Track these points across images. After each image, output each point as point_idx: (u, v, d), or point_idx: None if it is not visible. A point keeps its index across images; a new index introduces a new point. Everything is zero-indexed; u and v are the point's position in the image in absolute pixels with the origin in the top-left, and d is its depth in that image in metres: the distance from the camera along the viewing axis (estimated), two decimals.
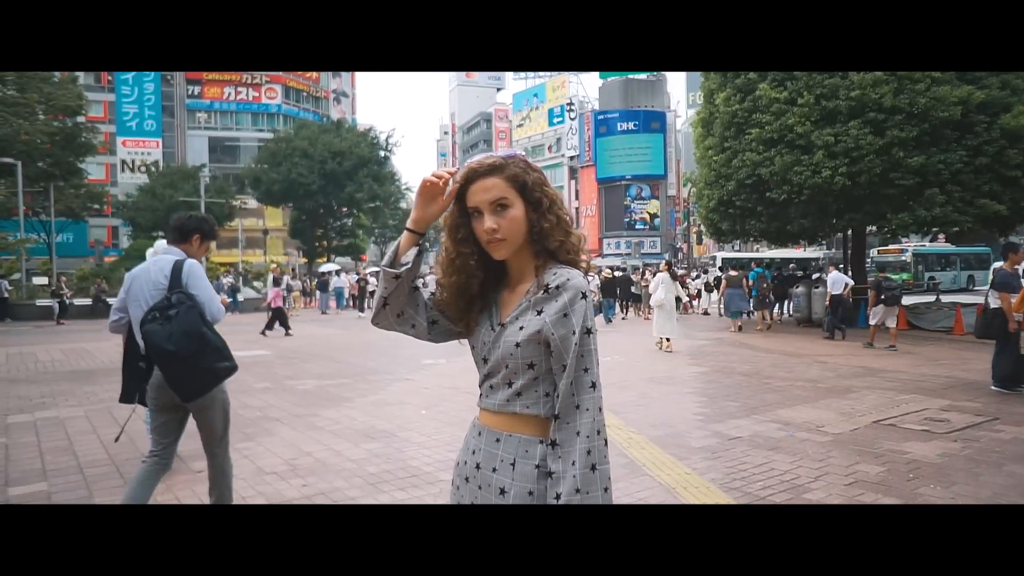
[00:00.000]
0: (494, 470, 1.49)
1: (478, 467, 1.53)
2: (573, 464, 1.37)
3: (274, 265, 24.67)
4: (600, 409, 1.42)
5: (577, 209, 63.99)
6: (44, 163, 29.36)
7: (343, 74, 74.23)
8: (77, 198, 46.12)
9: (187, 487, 4.63)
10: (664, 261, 15.41)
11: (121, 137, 62.43)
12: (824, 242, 33.67)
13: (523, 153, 1.55)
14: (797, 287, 18.03)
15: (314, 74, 69.23)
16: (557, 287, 1.44)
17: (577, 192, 64.22)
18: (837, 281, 14.63)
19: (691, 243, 38.06)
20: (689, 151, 58.52)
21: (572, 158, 64.59)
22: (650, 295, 18.74)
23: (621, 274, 22.16)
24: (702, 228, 27.77)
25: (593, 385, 1.42)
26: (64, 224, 50.17)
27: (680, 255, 53.45)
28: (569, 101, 65.89)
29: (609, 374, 9.65)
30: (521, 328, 1.46)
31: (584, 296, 1.44)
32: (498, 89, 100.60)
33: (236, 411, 7.14)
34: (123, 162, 62.06)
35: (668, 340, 12.54)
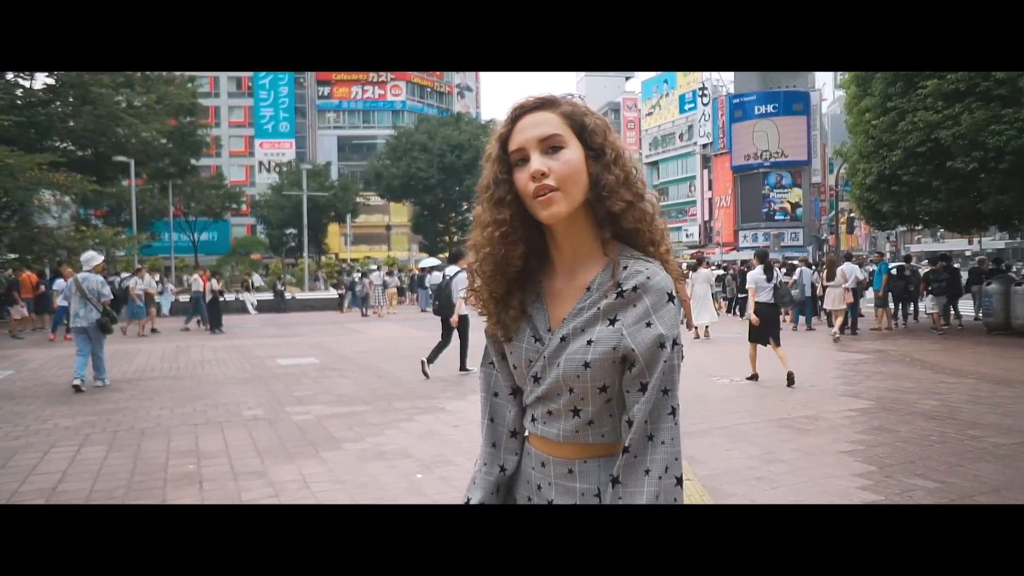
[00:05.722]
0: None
1: (551, 504, 1.21)
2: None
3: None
4: (675, 440, 1.10)
5: (711, 200, 59.67)
6: (163, 162, 29.89)
7: None
8: (217, 199, 48.44)
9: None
10: (699, 260, 16.43)
11: (259, 139, 65.27)
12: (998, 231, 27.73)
13: (582, 96, 1.23)
14: (988, 283, 13.93)
15: None
16: (635, 288, 1.11)
17: (711, 182, 59.85)
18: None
19: (839, 233, 33.01)
20: (837, 134, 52.72)
21: (705, 146, 60.36)
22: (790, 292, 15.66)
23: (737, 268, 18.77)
24: (853, 212, 23.34)
25: (673, 411, 1.10)
26: (206, 224, 53.08)
27: (826, 247, 47.89)
28: (701, 86, 61.38)
29: (715, 409, 6.85)
30: (590, 343, 1.12)
31: (671, 298, 1.11)
32: (627, 78, 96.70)
33: (164, 464, 5.11)
34: (260, 163, 64.82)
35: (707, 327, 13.75)
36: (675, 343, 1.09)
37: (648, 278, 1.11)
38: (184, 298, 23.61)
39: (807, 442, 5.43)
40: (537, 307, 1.20)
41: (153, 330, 16.71)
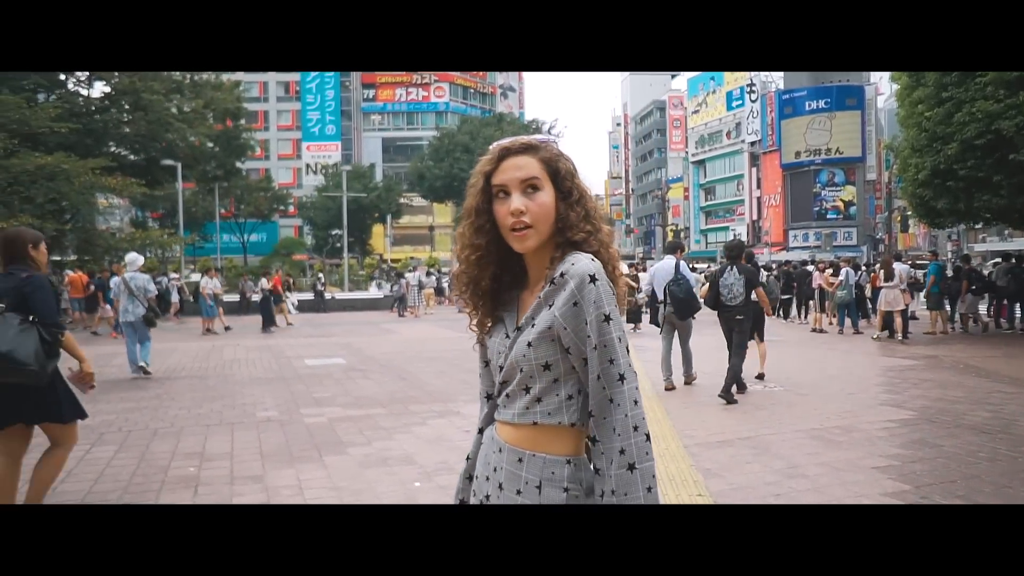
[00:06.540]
0: (519, 492, 1.32)
1: (501, 487, 1.36)
2: (611, 463, 1.26)
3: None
4: (636, 402, 1.28)
5: (759, 198, 58.23)
6: (209, 166, 30.57)
7: None
8: (265, 200, 49.47)
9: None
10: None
11: (306, 142, 66.46)
12: None
13: (556, 139, 1.50)
14: None
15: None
16: (562, 275, 1.30)
17: (759, 180, 58.43)
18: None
19: (892, 232, 31.69)
20: (893, 129, 50.84)
21: (753, 143, 58.77)
22: (833, 293, 15.01)
23: (797, 268, 18.13)
24: (907, 210, 22.26)
25: (622, 378, 1.27)
26: (255, 225, 54.25)
27: (881, 247, 46.22)
28: (749, 82, 59.83)
29: (742, 417, 6.49)
30: (533, 326, 1.32)
31: (593, 280, 1.27)
32: (672, 75, 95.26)
33: (166, 466, 4.99)
34: (307, 165, 65.99)
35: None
36: (607, 318, 1.25)
37: (572, 264, 1.28)
38: (228, 299, 24.09)
39: (837, 456, 5.04)
40: (511, 313, 1.40)
41: (208, 330, 16.58)
